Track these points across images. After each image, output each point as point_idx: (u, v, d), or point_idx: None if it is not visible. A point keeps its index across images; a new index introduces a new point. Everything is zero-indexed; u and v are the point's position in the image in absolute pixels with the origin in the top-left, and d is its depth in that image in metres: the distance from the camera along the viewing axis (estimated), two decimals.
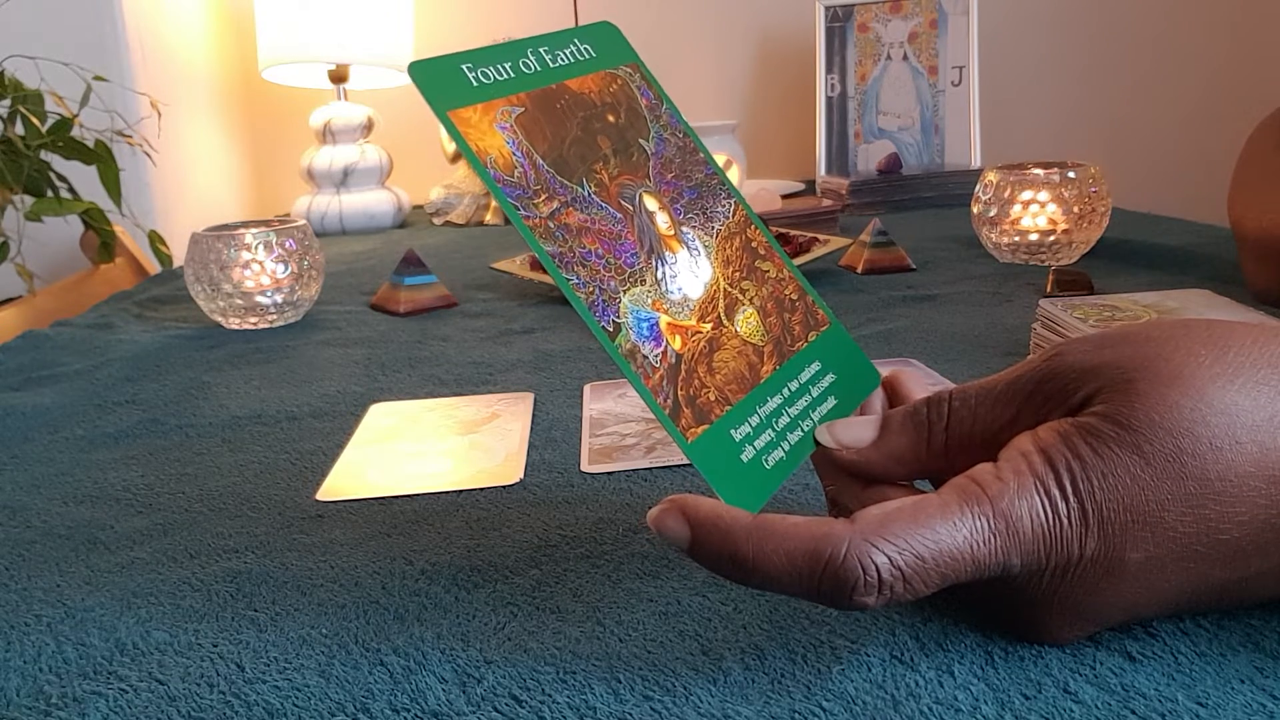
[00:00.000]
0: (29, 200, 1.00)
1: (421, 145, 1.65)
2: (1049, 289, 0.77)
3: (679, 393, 0.32)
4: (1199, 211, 1.23)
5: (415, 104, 1.63)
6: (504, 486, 0.47)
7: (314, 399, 0.64)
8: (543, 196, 0.33)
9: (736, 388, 0.34)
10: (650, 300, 0.33)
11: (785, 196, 1.28)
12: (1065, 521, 0.28)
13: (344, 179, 1.46)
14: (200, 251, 0.83)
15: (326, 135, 1.46)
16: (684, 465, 0.48)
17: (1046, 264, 0.90)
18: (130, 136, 1.09)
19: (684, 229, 0.36)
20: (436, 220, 1.48)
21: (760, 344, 0.35)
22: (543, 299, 0.90)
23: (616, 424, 0.55)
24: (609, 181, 0.35)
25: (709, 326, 0.34)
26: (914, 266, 0.93)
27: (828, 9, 1.48)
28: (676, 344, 0.33)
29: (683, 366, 0.33)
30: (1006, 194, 0.91)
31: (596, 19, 0.40)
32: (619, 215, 0.35)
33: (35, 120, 0.99)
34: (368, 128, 1.48)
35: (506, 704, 0.30)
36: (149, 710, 0.31)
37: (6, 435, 0.60)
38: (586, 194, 0.34)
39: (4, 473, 0.54)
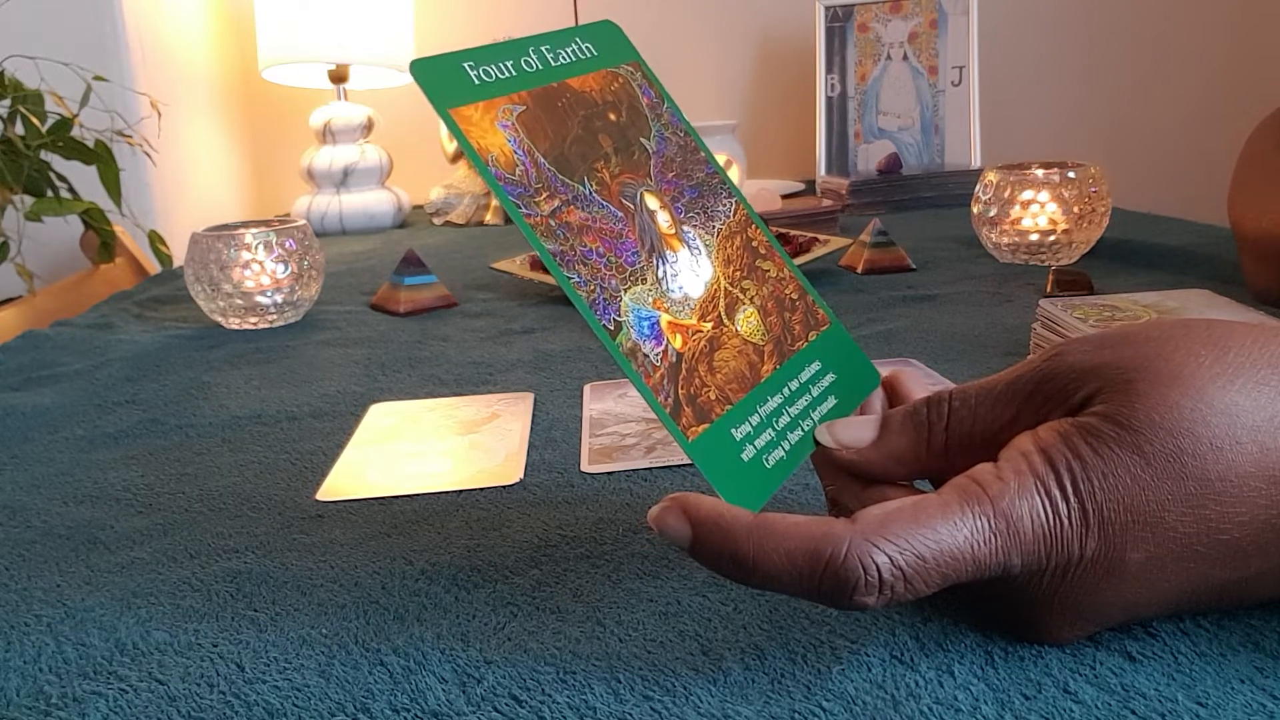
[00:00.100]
0: (29, 200, 1.00)
1: (421, 145, 1.65)
2: (1049, 289, 0.77)
3: (680, 391, 0.32)
4: (1199, 211, 1.23)
5: (415, 104, 1.63)
6: (504, 486, 0.47)
7: (314, 399, 0.64)
8: (544, 195, 0.33)
9: (737, 387, 0.34)
10: (651, 299, 0.33)
11: (785, 196, 1.28)
12: (1066, 521, 0.28)
13: (344, 179, 1.45)
14: (200, 251, 0.82)
15: (326, 135, 1.46)
16: (684, 465, 0.48)
17: (1046, 264, 0.90)
18: (130, 136, 1.09)
19: (685, 228, 0.36)
20: (436, 220, 1.48)
21: (761, 343, 0.35)
22: (543, 299, 0.90)
23: (616, 424, 0.55)
24: (610, 180, 0.35)
25: (710, 325, 0.34)
26: (914, 266, 0.93)
27: (828, 9, 1.48)
28: (677, 343, 0.33)
29: (683, 365, 0.33)
30: (1006, 194, 0.91)
31: (597, 18, 0.40)
32: (620, 214, 0.35)
33: (35, 120, 0.99)
34: (368, 128, 1.48)
35: (506, 704, 0.30)
36: (149, 710, 0.31)
37: (6, 435, 0.60)
38: (588, 192, 0.34)
39: (4, 473, 0.54)
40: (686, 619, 0.34)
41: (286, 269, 0.84)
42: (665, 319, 0.33)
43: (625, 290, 0.33)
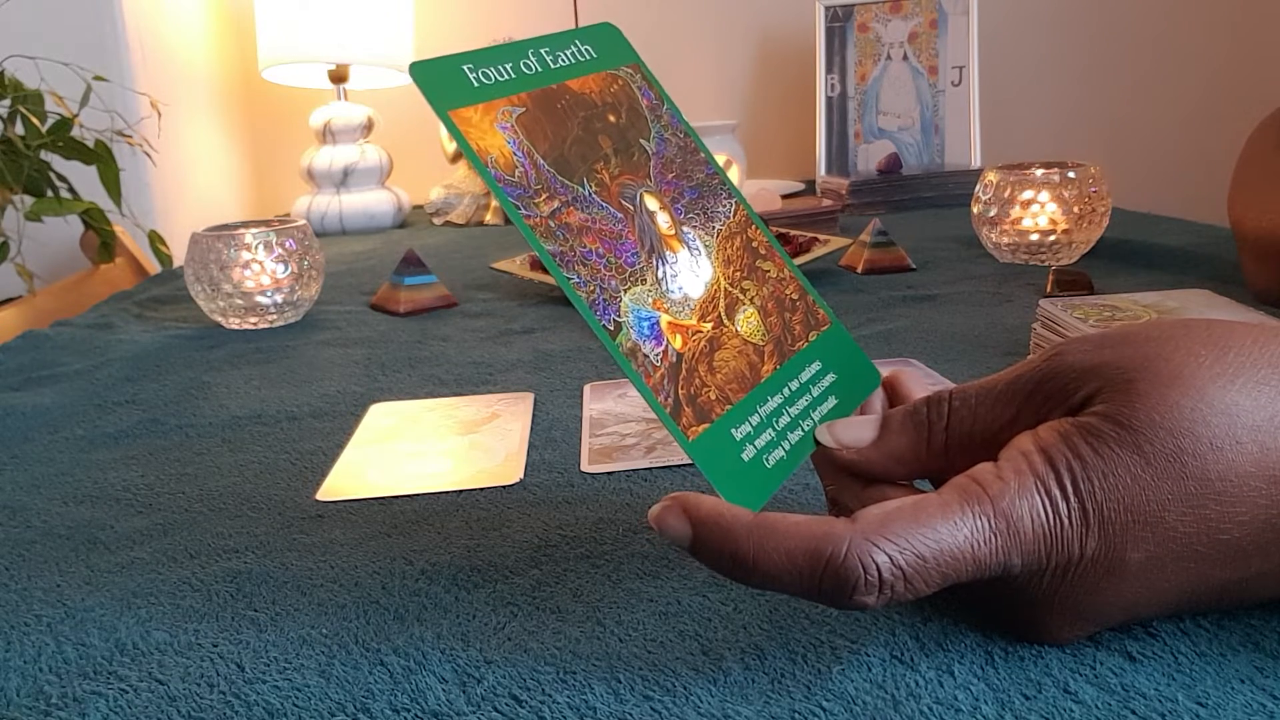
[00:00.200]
0: (29, 200, 1.00)
1: (421, 145, 1.65)
2: (1049, 289, 0.77)
3: (680, 391, 0.32)
4: (1199, 211, 1.23)
5: (415, 104, 1.63)
6: (504, 486, 0.47)
7: (314, 399, 0.64)
8: (544, 196, 0.33)
9: (737, 387, 0.34)
10: (651, 299, 0.33)
11: (785, 196, 1.28)
12: (1066, 521, 0.28)
13: (344, 179, 1.46)
14: (200, 251, 0.83)
15: (326, 135, 1.46)
16: (684, 465, 0.48)
17: (1046, 264, 0.90)
18: (130, 136, 1.09)
19: (685, 229, 0.36)
20: (436, 220, 1.48)
21: (761, 343, 0.36)
22: (543, 299, 0.90)
23: (616, 424, 0.55)
24: (610, 181, 0.35)
25: (710, 326, 0.34)
26: (914, 266, 0.93)
27: (828, 9, 1.48)
28: (677, 343, 0.33)
29: (683, 365, 0.33)
30: (1006, 194, 0.91)
31: (597, 19, 0.40)
32: (620, 215, 0.35)
33: (35, 120, 0.99)
34: (368, 128, 1.48)
35: (506, 704, 0.30)
36: (149, 710, 0.31)
37: (6, 435, 0.60)
38: (587, 193, 0.34)
39: (4, 473, 0.54)
40: (686, 619, 0.34)
41: (286, 269, 0.84)
42: (665, 319, 0.33)
43: (625, 291, 0.33)
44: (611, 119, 0.37)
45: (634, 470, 0.48)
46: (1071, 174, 0.89)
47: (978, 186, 0.94)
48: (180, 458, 0.54)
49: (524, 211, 0.32)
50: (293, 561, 0.41)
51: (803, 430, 0.35)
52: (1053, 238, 0.89)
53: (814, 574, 0.27)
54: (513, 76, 0.35)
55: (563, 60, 0.37)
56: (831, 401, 0.36)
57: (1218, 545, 0.28)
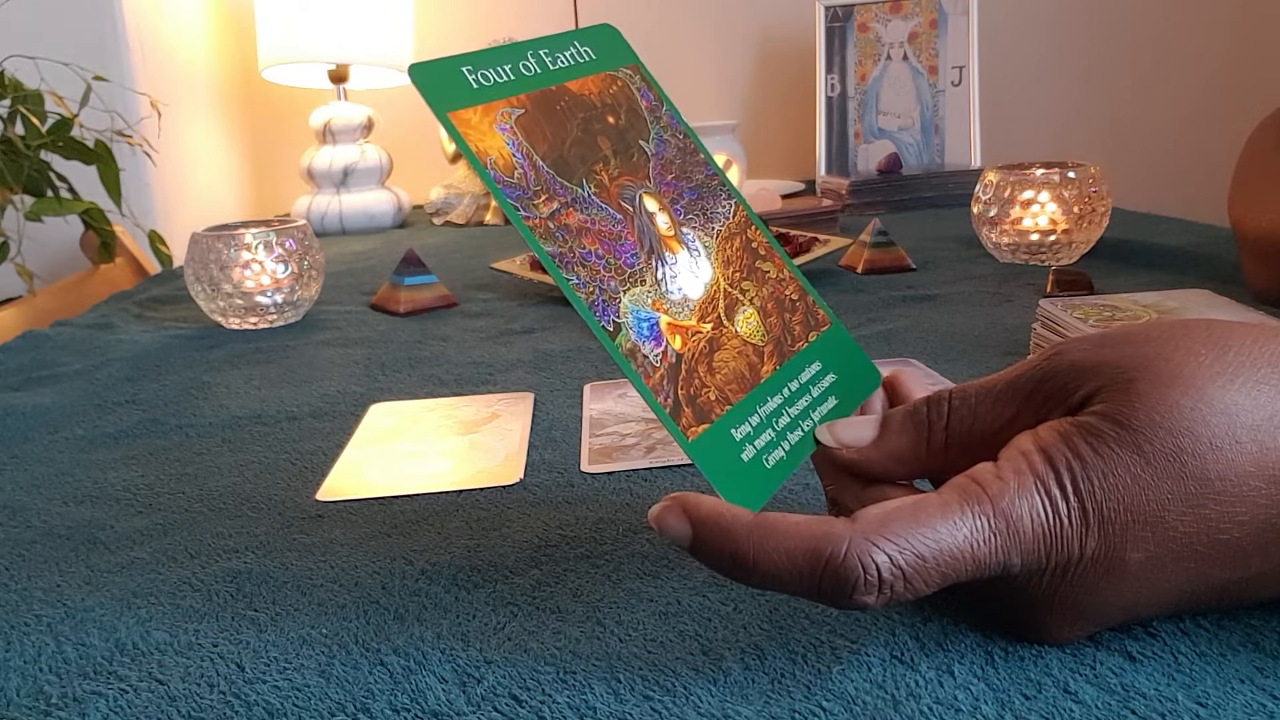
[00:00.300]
0: (29, 200, 1.00)
1: (421, 145, 1.65)
2: (1049, 289, 0.77)
3: (679, 392, 0.32)
4: (1199, 211, 1.23)
5: (415, 104, 1.63)
6: (504, 486, 0.47)
7: (314, 399, 0.64)
8: (543, 197, 0.33)
9: (737, 387, 0.34)
10: (650, 300, 0.33)
11: (785, 196, 1.28)
12: (1065, 521, 0.28)
13: (344, 179, 1.46)
14: (200, 251, 0.83)
15: (326, 135, 1.46)
16: (684, 465, 0.48)
17: (1046, 264, 0.90)
18: (130, 136, 1.09)
19: (684, 230, 0.36)
20: (436, 220, 1.48)
21: (760, 344, 0.36)
22: (543, 299, 0.90)
23: (616, 424, 0.55)
24: (609, 182, 0.35)
25: (709, 326, 0.34)
26: (914, 266, 0.93)
27: (828, 9, 1.48)
28: (677, 344, 0.33)
29: (683, 366, 0.33)
30: (1006, 194, 0.91)
31: (597, 20, 0.40)
32: (619, 216, 0.35)
33: (35, 120, 0.99)
34: (368, 128, 1.48)
35: (506, 704, 0.30)
36: (149, 710, 0.31)
37: (6, 435, 0.60)
38: (586, 195, 0.34)
39: (4, 473, 0.54)
40: (686, 619, 0.34)
41: (286, 269, 0.84)
42: (664, 320, 0.33)
43: (624, 292, 0.33)
44: (611, 120, 0.37)
45: (634, 470, 0.48)
46: (1071, 174, 0.89)
47: (978, 186, 0.94)
48: (180, 458, 0.55)
49: (523, 213, 0.32)
50: (293, 561, 0.41)
51: (803, 430, 0.35)
52: (1053, 238, 0.89)
53: (814, 574, 0.27)
54: (512, 78, 0.35)
55: (562, 62, 0.37)
56: (831, 402, 0.36)
57: (1217, 545, 0.28)
